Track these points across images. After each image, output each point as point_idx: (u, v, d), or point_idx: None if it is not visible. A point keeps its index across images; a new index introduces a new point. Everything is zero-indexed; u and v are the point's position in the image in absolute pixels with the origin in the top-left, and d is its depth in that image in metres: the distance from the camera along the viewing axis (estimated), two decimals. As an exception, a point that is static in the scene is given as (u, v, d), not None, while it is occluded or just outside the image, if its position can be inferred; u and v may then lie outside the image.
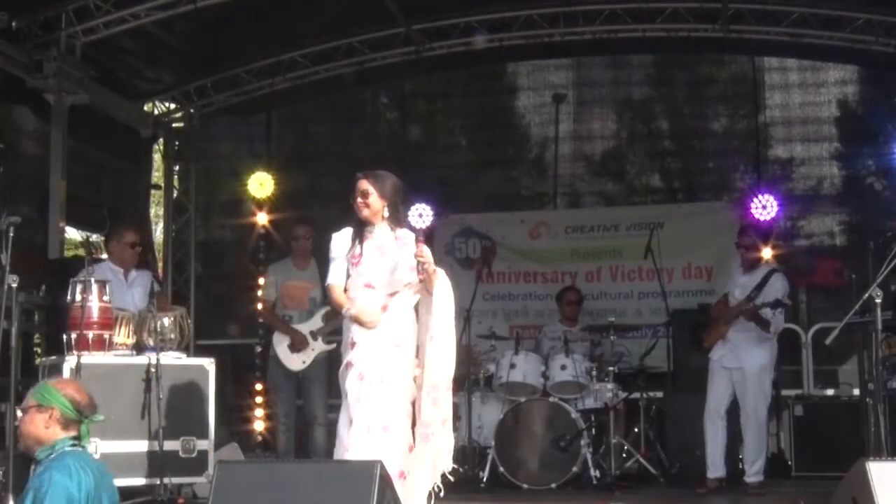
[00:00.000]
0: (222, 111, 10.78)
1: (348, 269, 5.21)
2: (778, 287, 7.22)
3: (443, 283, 5.17)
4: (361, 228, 5.24)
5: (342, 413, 5.07)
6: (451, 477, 5.20)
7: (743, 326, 7.25)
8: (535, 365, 8.10)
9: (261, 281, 9.37)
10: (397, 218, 5.31)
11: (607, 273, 10.39)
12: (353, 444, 4.90)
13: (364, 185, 5.23)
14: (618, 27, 9.76)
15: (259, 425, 9.59)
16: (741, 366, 7.25)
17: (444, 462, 5.16)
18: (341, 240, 5.28)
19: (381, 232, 5.24)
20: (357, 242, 5.21)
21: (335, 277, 5.27)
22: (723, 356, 7.32)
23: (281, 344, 7.44)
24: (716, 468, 7.32)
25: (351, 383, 5.04)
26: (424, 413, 5.13)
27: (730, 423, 7.40)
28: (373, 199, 5.21)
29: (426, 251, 5.07)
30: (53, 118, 8.45)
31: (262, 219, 10.24)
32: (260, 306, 8.36)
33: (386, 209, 5.24)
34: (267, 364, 8.00)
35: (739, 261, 7.52)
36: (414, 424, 5.14)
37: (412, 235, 5.27)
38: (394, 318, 5.13)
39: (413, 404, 5.14)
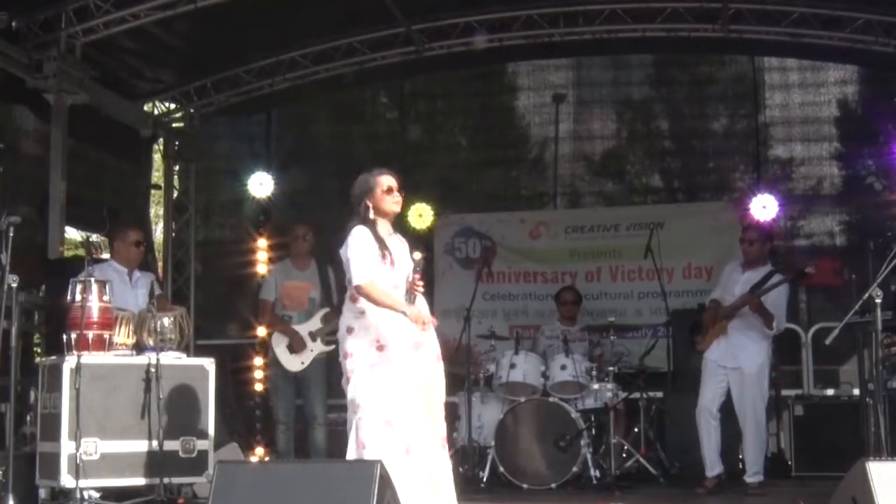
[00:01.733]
0: (222, 111, 10.77)
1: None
2: (777, 287, 7.24)
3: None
4: (373, 228, 5.08)
5: (375, 413, 4.91)
6: None
7: (744, 324, 7.24)
8: (535, 365, 8.11)
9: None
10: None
11: (607, 273, 10.40)
12: (395, 446, 4.86)
13: (393, 181, 5.14)
14: (618, 27, 9.76)
15: (259, 425, 9.59)
16: (739, 366, 7.24)
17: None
18: (367, 236, 5.03)
19: (385, 230, 5.15)
20: (382, 244, 5.04)
21: (371, 273, 4.96)
22: (720, 356, 7.31)
23: (280, 345, 7.43)
24: (713, 466, 7.32)
25: (386, 384, 4.92)
26: (445, 430, 5.15)
27: (728, 422, 7.40)
28: (399, 198, 5.18)
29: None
30: (53, 118, 8.45)
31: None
32: (260, 306, 8.35)
33: None
34: (267, 364, 8.02)
35: (737, 263, 7.53)
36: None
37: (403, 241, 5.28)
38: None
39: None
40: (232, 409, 9.42)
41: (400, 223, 5.43)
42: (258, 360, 9.76)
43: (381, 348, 4.96)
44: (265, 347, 8.20)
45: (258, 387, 9.64)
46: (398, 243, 5.17)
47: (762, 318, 7.14)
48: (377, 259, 4.99)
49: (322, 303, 7.42)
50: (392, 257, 5.03)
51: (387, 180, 5.14)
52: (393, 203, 5.12)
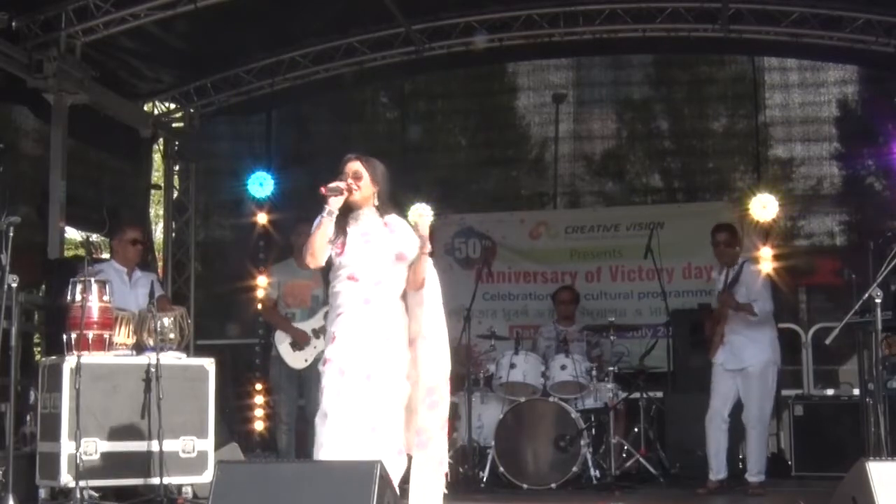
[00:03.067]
0: (222, 111, 10.78)
1: (331, 258, 4.89)
2: (751, 273, 7.27)
3: (431, 275, 4.91)
4: (345, 214, 4.91)
5: (319, 411, 4.77)
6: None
7: (738, 326, 7.28)
8: (535, 365, 8.11)
9: (260, 280, 9.40)
10: (385, 206, 5.01)
11: (607, 273, 10.39)
12: (328, 440, 4.64)
13: (357, 166, 4.98)
14: (618, 27, 9.76)
15: (259, 425, 9.60)
16: (744, 367, 7.26)
17: (444, 467, 4.95)
18: (314, 223, 4.92)
19: (367, 218, 4.95)
20: (340, 229, 4.88)
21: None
22: (725, 359, 7.32)
23: (283, 343, 7.43)
24: (719, 471, 7.32)
25: (330, 378, 4.74)
26: (422, 420, 4.84)
27: (731, 423, 7.40)
28: (365, 182, 4.94)
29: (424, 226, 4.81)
30: (53, 118, 8.45)
31: (261, 218, 10.25)
32: (260, 306, 8.35)
33: (375, 196, 4.97)
34: (268, 363, 8.02)
35: (718, 270, 7.58)
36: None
37: (402, 221, 5.00)
38: (380, 309, 4.81)
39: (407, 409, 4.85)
40: (232, 409, 9.43)
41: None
42: (258, 361, 9.79)
43: (332, 339, 4.83)
44: (267, 347, 8.20)
45: (258, 387, 9.65)
46: (378, 227, 4.92)
47: (743, 311, 7.17)
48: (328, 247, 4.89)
49: (325, 300, 7.41)
50: (344, 246, 4.85)
51: (349, 165, 4.99)
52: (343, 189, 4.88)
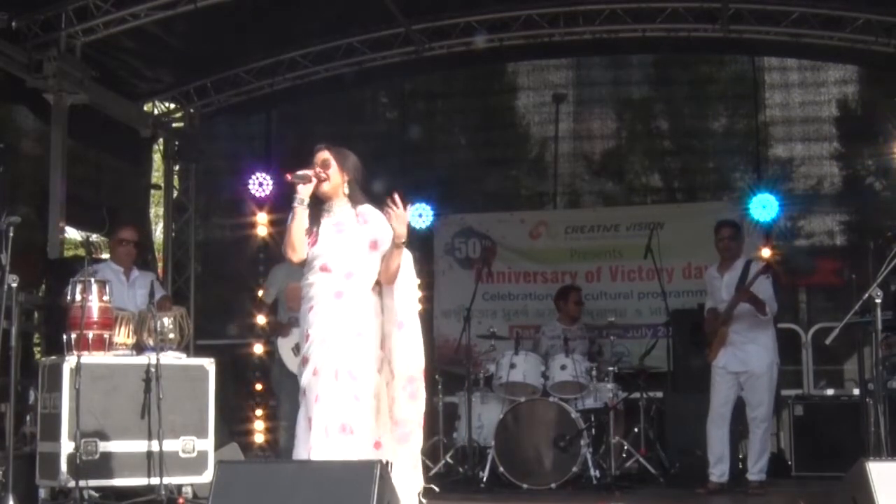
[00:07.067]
0: (222, 111, 10.77)
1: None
2: (760, 272, 7.28)
3: (406, 267, 4.85)
4: (318, 206, 4.86)
5: (301, 413, 4.79)
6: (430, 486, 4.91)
7: (743, 327, 7.26)
8: (535, 365, 8.11)
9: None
10: (358, 196, 4.92)
11: (607, 273, 10.39)
12: (315, 446, 4.63)
13: (325, 155, 4.91)
14: (618, 27, 9.76)
15: (259, 425, 9.60)
16: (747, 369, 7.25)
17: (419, 467, 4.88)
18: (290, 218, 4.91)
19: (339, 209, 4.87)
20: (314, 221, 4.82)
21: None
22: (728, 361, 7.30)
23: (285, 346, 7.43)
24: (721, 473, 7.31)
25: (307, 380, 4.74)
26: (401, 411, 4.76)
27: (731, 423, 7.40)
28: (333, 171, 4.84)
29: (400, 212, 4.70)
30: (53, 118, 8.45)
31: (262, 219, 10.26)
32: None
33: (346, 185, 4.89)
34: (268, 364, 8.01)
35: (712, 269, 7.55)
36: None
37: (376, 211, 4.88)
38: (351, 304, 4.73)
39: (377, 399, 4.76)
40: (232, 409, 9.43)
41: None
42: (258, 361, 9.79)
43: (307, 337, 4.83)
44: (269, 344, 8.20)
45: (258, 386, 9.65)
46: (350, 218, 4.87)
47: (755, 307, 7.15)
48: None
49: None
50: (317, 237, 4.81)
51: (316, 155, 4.93)
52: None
